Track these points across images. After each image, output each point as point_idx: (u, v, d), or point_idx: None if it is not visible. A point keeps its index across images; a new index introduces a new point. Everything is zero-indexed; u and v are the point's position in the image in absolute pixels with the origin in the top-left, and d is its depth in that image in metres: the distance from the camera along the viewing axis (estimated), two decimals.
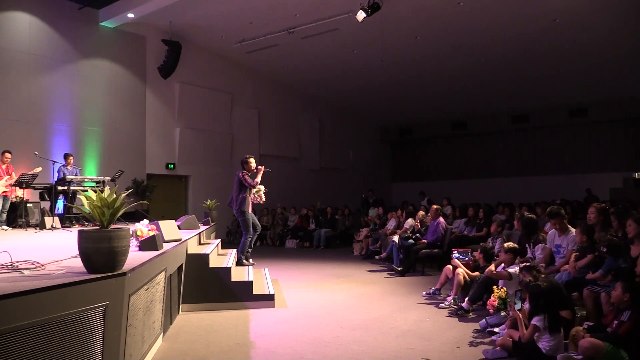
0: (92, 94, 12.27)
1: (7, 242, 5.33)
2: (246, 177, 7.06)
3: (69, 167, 9.12)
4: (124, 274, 2.85)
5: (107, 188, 3.17)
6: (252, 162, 7.27)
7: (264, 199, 7.43)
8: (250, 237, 7.30)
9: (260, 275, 7.39)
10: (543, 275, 4.55)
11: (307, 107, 18.68)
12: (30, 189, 8.86)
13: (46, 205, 9.13)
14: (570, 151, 18.29)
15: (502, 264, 5.46)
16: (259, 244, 14.32)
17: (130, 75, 13.11)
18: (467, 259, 6.30)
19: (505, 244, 5.58)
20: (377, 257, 10.19)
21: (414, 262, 8.72)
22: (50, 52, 11.53)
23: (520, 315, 4.10)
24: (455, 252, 6.43)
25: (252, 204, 7.37)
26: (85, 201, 2.97)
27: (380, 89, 17.00)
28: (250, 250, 7.48)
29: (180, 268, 5.40)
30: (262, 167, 7.29)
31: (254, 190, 7.28)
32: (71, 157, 9.30)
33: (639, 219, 4.57)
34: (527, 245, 5.82)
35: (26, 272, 2.91)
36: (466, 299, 5.59)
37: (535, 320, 3.91)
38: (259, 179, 7.16)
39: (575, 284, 4.70)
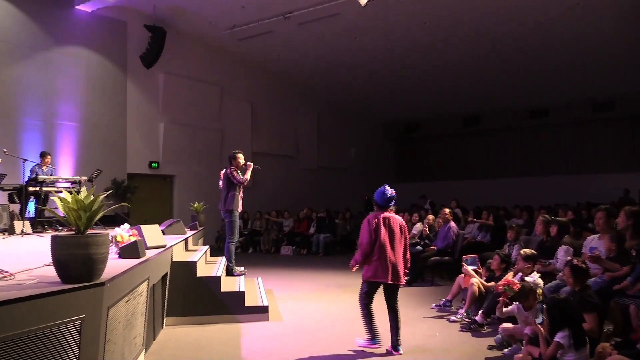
0: (66, 85, 12.21)
1: None
2: (234, 173, 7.03)
3: (44, 168, 9.05)
4: (102, 284, 2.83)
5: (83, 189, 3.14)
6: (241, 157, 7.24)
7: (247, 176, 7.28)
8: (235, 242, 7.24)
9: (252, 286, 7.36)
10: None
11: (304, 101, 18.66)
12: None
13: (15, 208, 9.06)
14: (595, 148, 18.28)
15: (520, 273, 5.44)
16: (251, 251, 14.31)
17: (109, 65, 13.06)
18: (474, 266, 6.30)
19: (522, 251, 5.57)
20: None
21: (422, 270, 8.70)
22: (20, 39, 11.47)
23: (541, 329, 4.08)
24: (467, 257, 6.43)
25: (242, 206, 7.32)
26: (59, 203, 2.95)
27: (385, 81, 16.99)
28: (233, 262, 7.40)
29: (164, 277, 5.37)
30: (251, 164, 7.26)
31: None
32: (49, 157, 9.22)
33: None
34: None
35: None
36: (480, 311, 5.58)
37: (558, 337, 3.89)
38: (248, 175, 7.13)
39: (603, 294, 4.66)
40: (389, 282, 4.66)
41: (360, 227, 4.85)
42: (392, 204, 4.80)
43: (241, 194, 7.21)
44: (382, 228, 4.68)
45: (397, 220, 4.83)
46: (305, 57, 15.65)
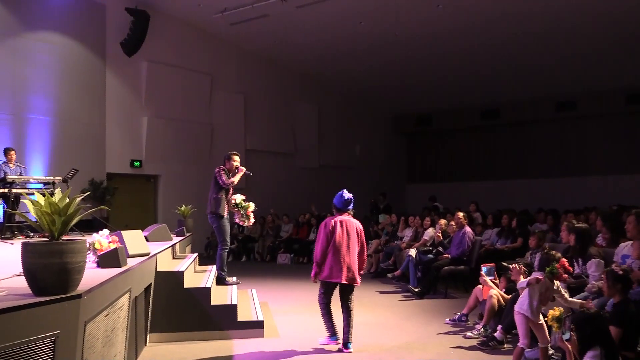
0: (38, 75, 12.22)
1: None
2: (222, 173, 7.10)
3: (10, 165, 9.08)
4: (79, 296, 2.83)
5: (58, 190, 3.15)
6: (237, 160, 7.34)
7: (252, 220, 7.49)
8: (227, 249, 7.32)
9: (246, 298, 7.39)
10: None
11: (303, 92, 18.64)
12: None
13: None
14: (629, 145, 18.18)
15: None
16: (245, 260, 14.31)
17: (86, 52, 13.07)
18: (490, 277, 6.30)
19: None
20: (389, 275, 10.19)
21: (435, 281, 8.69)
22: None
23: (569, 347, 4.08)
24: (484, 267, 6.43)
25: (230, 209, 7.35)
26: (31, 207, 2.95)
27: (394, 70, 16.97)
28: (225, 271, 7.43)
29: (148, 289, 5.38)
30: (243, 168, 7.31)
31: (236, 201, 7.29)
32: (12, 152, 9.26)
33: None
34: (574, 261, 5.80)
35: None
36: (499, 326, 5.58)
37: (589, 356, 3.88)
38: (236, 179, 7.17)
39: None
40: (344, 282, 5.45)
41: (318, 230, 5.76)
42: (350, 207, 5.63)
43: (237, 215, 7.30)
44: (338, 230, 5.47)
45: (354, 223, 5.62)
46: (304, 43, 15.64)
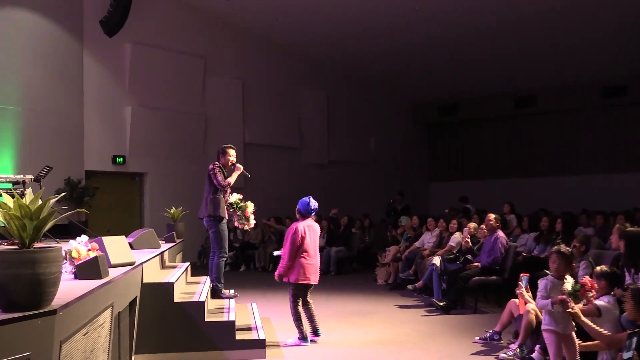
0: (6, 58, 12.23)
1: None
2: (217, 171, 7.08)
3: None
4: (54, 312, 2.82)
5: (29, 191, 3.15)
6: (233, 154, 7.32)
7: (252, 222, 7.46)
8: (225, 257, 7.34)
9: (245, 313, 7.40)
10: None
11: (310, 78, 18.62)
12: None
13: None
14: None
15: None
16: (244, 269, 14.32)
17: (60, 32, 13.09)
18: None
19: (598, 268, 5.52)
20: (410, 286, 10.15)
21: (463, 294, 8.69)
22: None
23: None
24: (524, 276, 6.36)
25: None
26: None
27: (414, 51, 16.91)
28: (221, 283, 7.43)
29: (132, 303, 5.38)
30: (240, 167, 7.28)
31: (232, 200, 7.29)
32: None
33: None
34: (625, 270, 5.76)
35: None
36: (537, 346, 5.56)
37: None
38: (232, 179, 7.15)
39: None
40: (313, 282, 6.67)
41: (286, 235, 6.85)
42: (313, 214, 6.86)
43: (234, 218, 7.29)
44: (308, 235, 6.64)
45: (317, 227, 6.97)
46: (311, 20, 15.60)
